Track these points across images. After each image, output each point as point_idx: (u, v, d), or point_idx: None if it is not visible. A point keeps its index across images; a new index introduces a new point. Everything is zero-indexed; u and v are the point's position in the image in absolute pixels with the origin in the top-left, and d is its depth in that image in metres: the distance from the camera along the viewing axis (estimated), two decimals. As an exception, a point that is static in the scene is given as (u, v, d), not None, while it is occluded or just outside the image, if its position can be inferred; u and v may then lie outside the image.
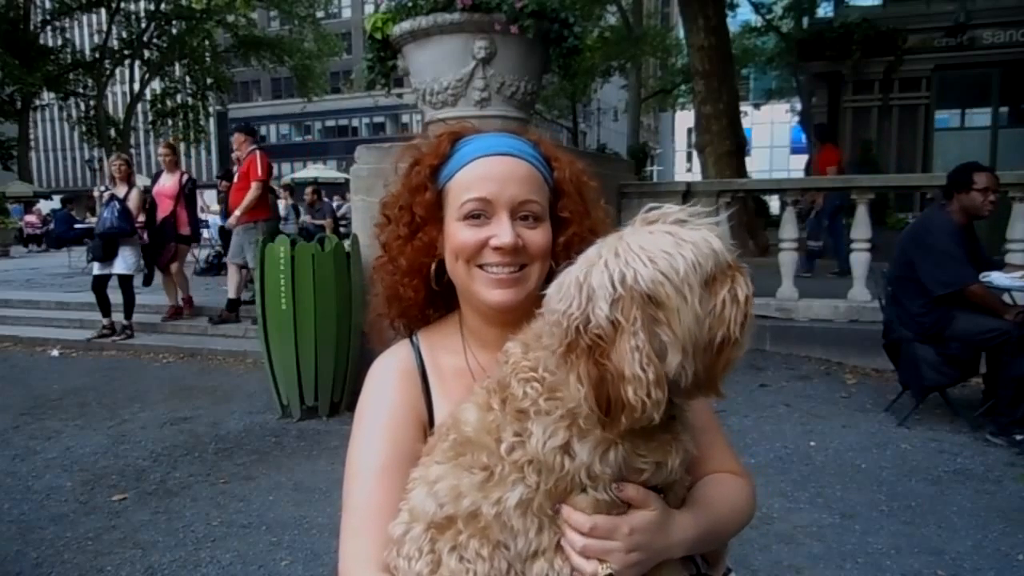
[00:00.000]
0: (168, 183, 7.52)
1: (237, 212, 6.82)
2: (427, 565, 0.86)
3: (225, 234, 8.15)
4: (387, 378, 1.09)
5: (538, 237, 1.01)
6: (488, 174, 1.01)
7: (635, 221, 0.84)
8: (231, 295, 7.28)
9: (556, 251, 1.03)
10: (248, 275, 7.23)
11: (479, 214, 1.01)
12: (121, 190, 7.22)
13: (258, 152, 7.02)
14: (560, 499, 0.84)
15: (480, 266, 1.01)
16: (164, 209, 7.43)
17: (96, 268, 7.21)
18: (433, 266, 1.07)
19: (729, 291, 0.80)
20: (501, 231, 0.99)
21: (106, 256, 7.03)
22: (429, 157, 1.07)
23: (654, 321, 0.77)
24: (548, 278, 1.01)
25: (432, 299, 1.12)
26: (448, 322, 1.13)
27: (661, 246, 0.78)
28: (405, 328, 1.15)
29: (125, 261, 7.10)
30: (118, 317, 7.29)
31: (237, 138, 7.19)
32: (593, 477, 0.82)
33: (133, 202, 7.18)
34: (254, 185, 6.82)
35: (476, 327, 1.09)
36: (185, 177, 7.60)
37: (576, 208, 1.06)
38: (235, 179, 7.17)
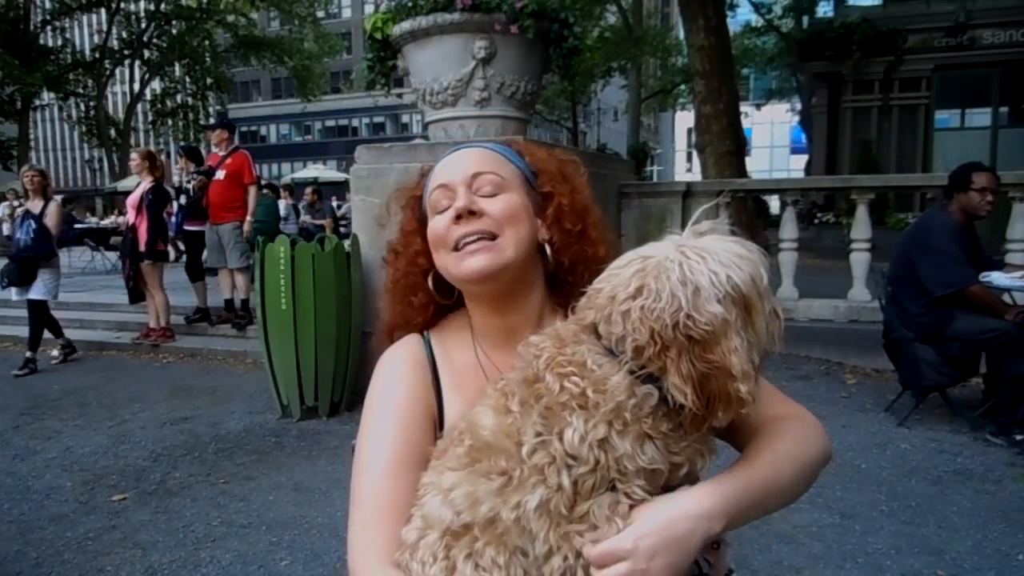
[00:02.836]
0: (136, 191, 6.86)
1: (249, 218, 6.73)
2: (442, 571, 0.86)
3: (190, 237, 7.50)
4: (397, 370, 1.09)
5: (496, 204, 1.03)
6: (445, 166, 1.08)
7: (688, 231, 0.88)
8: (227, 295, 7.14)
9: (547, 224, 1.06)
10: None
11: (443, 202, 1.05)
12: (36, 205, 6.41)
13: (243, 151, 6.91)
14: (585, 497, 0.83)
15: (455, 248, 1.03)
16: (130, 221, 6.86)
17: (14, 293, 6.51)
18: (430, 280, 1.10)
19: (772, 307, 0.84)
20: (457, 201, 1.02)
21: (23, 280, 6.31)
22: (413, 190, 1.14)
23: (743, 323, 0.81)
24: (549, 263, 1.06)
25: (440, 311, 1.15)
26: (458, 317, 1.14)
27: (740, 253, 0.83)
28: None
29: (45, 285, 6.42)
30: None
31: (219, 134, 6.95)
32: (623, 471, 0.82)
33: (52, 218, 6.37)
34: (251, 190, 6.78)
35: (480, 325, 1.11)
36: (149, 185, 6.76)
37: (556, 180, 1.08)
38: (219, 176, 6.79)
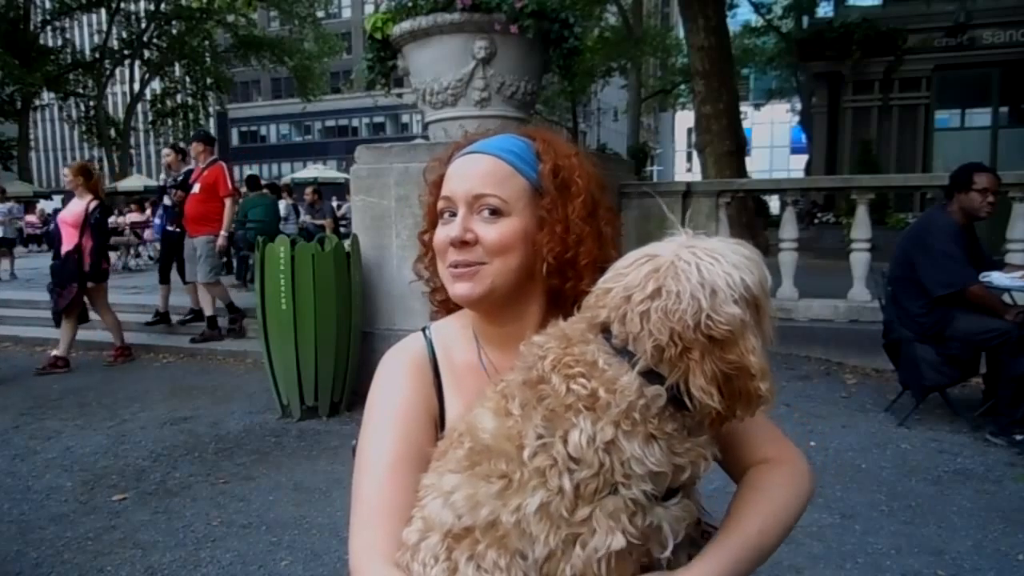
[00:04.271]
0: (75, 208, 6.32)
1: (223, 232, 6.58)
2: (443, 572, 0.86)
3: (170, 244, 7.43)
4: (399, 370, 1.09)
5: (492, 233, 1.01)
6: (454, 172, 1.05)
7: (687, 232, 0.89)
8: (208, 312, 6.93)
9: (535, 249, 1.03)
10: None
11: (446, 212, 1.04)
12: None
13: (221, 164, 6.79)
14: (587, 501, 0.82)
15: (450, 266, 1.03)
16: (68, 240, 6.27)
17: None
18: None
19: (771, 307, 0.87)
20: (452, 229, 1.02)
21: None
22: (440, 167, 1.11)
23: (755, 323, 0.83)
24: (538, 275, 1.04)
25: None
26: (461, 316, 1.14)
27: (747, 255, 0.85)
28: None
29: None
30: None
31: (195, 147, 6.86)
32: (628, 474, 0.82)
33: None
34: (228, 202, 6.68)
35: (480, 329, 1.11)
36: (94, 204, 6.32)
37: (552, 207, 1.03)
38: (195, 190, 6.67)
